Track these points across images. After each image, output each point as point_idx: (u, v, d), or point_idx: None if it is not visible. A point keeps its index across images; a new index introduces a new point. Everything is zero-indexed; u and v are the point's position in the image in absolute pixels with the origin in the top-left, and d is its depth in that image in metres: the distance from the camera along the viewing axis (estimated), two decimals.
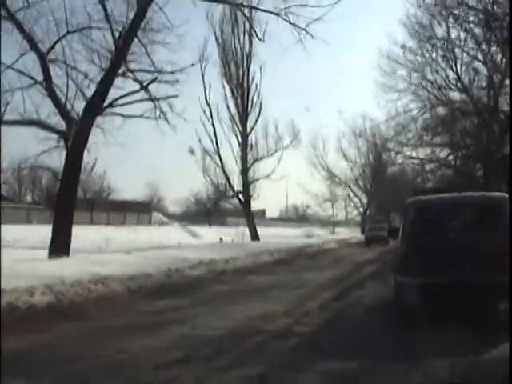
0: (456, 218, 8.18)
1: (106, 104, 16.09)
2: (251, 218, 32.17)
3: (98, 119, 16.15)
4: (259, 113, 31.39)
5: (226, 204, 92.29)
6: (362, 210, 57.33)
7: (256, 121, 31.45)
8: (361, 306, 9.44)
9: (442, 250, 7.30)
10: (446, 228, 7.85)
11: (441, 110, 28.05)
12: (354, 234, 49.69)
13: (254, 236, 31.18)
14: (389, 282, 9.37)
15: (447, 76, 26.61)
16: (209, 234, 35.70)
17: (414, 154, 31.42)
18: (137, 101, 17.31)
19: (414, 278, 7.24)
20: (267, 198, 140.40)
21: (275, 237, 36.34)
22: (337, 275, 15.37)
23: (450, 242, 7.43)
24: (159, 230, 38.51)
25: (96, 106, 15.60)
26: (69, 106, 16.02)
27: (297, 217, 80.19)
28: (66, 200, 15.32)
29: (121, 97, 16.65)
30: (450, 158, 40.14)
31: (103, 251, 19.17)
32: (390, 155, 37.12)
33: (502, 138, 27.23)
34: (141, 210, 51.79)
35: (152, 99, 17.11)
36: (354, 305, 9.62)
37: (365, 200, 57.27)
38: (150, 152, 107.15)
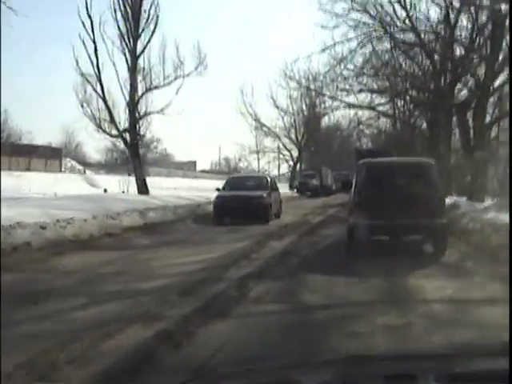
0: (395, 177, 10.17)
1: None
2: (137, 163, 24.60)
3: None
4: (154, 29, 23.52)
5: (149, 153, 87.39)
6: (292, 163, 53.12)
7: (150, 39, 23.64)
8: None
9: (384, 200, 9.73)
10: (387, 184, 10.13)
11: (385, 45, 23.89)
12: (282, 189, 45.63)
13: (142, 188, 23.81)
14: None
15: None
16: (112, 184, 30.22)
17: (350, 100, 27.19)
18: None
19: (364, 220, 9.52)
20: (199, 150, 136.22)
21: (184, 189, 31.96)
22: (215, 259, 9.36)
23: (390, 195, 9.83)
24: (60, 178, 33.25)
25: None
26: None
27: (229, 170, 75.89)
28: None
29: None
30: (389, 108, 37.09)
31: None
32: (324, 101, 32.97)
33: (452, 87, 23.60)
34: (51, 156, 46.47)
35: None
36: None
37: (295, 154, 53.06)
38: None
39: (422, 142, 40.95)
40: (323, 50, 23.07)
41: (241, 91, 49.56)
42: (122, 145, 60.44)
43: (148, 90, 23.55)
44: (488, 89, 20.43)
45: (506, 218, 11.74)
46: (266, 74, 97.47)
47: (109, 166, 60.26)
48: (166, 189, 31.23)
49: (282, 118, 52.14)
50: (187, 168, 79.96)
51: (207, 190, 31.82)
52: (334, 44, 22.72)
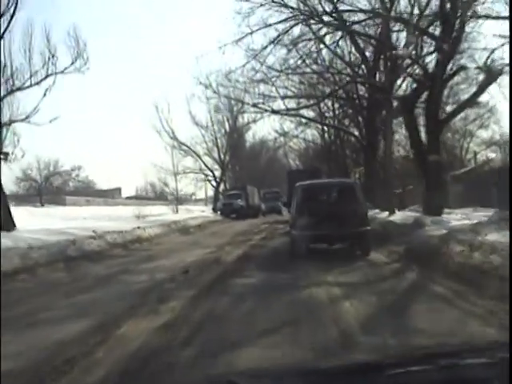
0: (326, 195, 12.78)
1: None
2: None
3: None
4: (14, 11, 16.28)
5: (69, 181, 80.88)
6: (214, 183, 47.67)
7: (9, 23, 16.34)
8: None
9: (318, 215, 11.34)
10: (320, 201, 12.43)
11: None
12: (204, 212, 40.40)
13: (6, 222, 15.47)
14: None
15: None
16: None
17: (274, 106, 22.84)
18: None
19: (302, 231, 11.27)
20: (123, 176, 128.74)
21: (92, 219, 26.69)
22: None
23: (323, 210, 11.63)
24: None
25: None
26: None
27: (155, 195, 70.45)
28: None
29: None
30: (316, 115, 33.39)
31: None
32: (245, 110, 28.46)
33: (392, 81, 19.69)
34: None
35: None
36: None
37: (218, 173, 47.83)
38: None
39: (356, 150, 37.83)
40: (237, 41, 18.54)
41: (155, 107, 43.91)
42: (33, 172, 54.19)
43: (10, 92, 17.54)
44: (441, 77, 16.49)
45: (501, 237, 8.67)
46: (181, 81, 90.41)
47: (22, 196, 54.36)
48: (70, 219, 25.93)
49: (203, 136, 47.07)
50: (112, 195, 75.19)
51: (119, 218, 26.71)
52: (251, 33, 18.27)
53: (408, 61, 18.53)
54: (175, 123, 44.30)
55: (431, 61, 17.83)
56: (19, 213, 28.64)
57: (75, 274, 10.11)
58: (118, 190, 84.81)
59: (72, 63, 17.87)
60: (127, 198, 75.43)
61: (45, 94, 17.52)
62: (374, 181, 28.13)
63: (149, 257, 12.66)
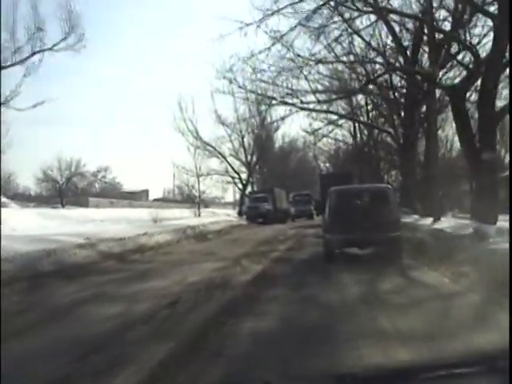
0: (360, 200, 12.51)
1: None
2: None
3: None
4: None
5: (95, 182, 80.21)
6: (241, 186, 45.35)
7: None
8: None
9: (352, 219, 11.42)
10: (353, 206, 12.24)
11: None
12: (229, 216, 38.28)
13: None
14: None
15: None
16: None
17: (304, 100, 20.61)
18: None
19: (336, 235, 11.33)
20: (150, 178, 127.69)
21: (108, 222, 25.37)
22: None
23: (356, 215, 11.65)
24: None
25: None
26: None
27: (182, 197, 69.00)
28: None
29: None
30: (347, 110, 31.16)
31: None
32: (271, 107, 26.24)
33: (435, 68, 17.32)
34: None
35: None
36: None
37: (244, 175, 45.58)
38: None
39: (391, 151, 35.50)
40: (260, 22, 16.38)
41: (178, 105, 41.91)
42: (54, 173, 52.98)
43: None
44: (497, 62, 14.10)
45: None
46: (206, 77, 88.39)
47: (45, 198, 53.69)
48: (85, 222, 25.71)
49: (229, 136, 44.87)
50: (139, 198, 74.26)
51: (137, 221, 24.94)
52: (277, 11, 16.13)
53: (456, 45, 16.19)
54: (199, 122, 41.64)
55: (485, 44, 15.44)
56: (25, 214, 27.22)
57: (27, 300, 7.56)
58: (146, 192, 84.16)
59: (64, 38, 15.74)
60: (154, 200, 74.11)
61: (25, 75, 15.52)
62: (412, 184, 25.84)
63: (143, 273, 10.21)
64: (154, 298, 7.10)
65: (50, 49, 15.65)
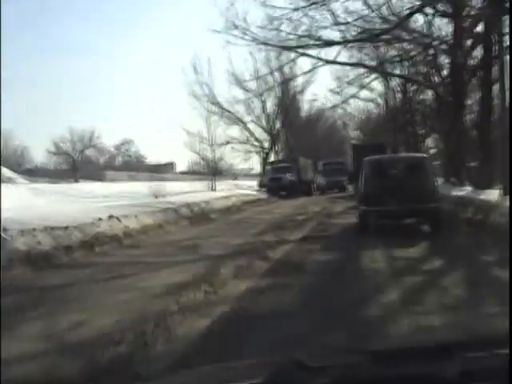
0: (395, 170, 12.21)
1: None
2: None
3: None
4: None
5: (119, 155, 77.78)
6: (263, 155, 41.36)
7: None
8: None
9: (387, 190, 11.15)
10: (389, 176, 11.98)
11: None
12: (249, 189, 34.46)
13: None
14: None
15: None
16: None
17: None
18: None
19: (371, 206, 11.24)
20: (177, 150, 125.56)
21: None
22: None
23: (392, 185, 11.36)
24: None
25: None
26: None
27: (208, 170, 66.20)
28: None
29: None
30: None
31: None
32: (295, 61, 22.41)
33: None
34: None
35: None
36: None
37: (267, 144, 41.61)
38: None
39: (429, 115, 31.53)
40: None
41: (193, 67, 38.20)
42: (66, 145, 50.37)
43: None
44: None
45: None
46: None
47: (58, 172, 51.34)
48: (82, 198, 24.45)
49: (252, 102, 40.49)
50: (165, 170, 72.17)
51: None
52: None
53: None
54: (215, 86, 37.77)
55: None
56: (19, 190, 24.52)
57: None
58: (171, 164, 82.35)
59: None
60: (181, 173, 72.26)
61: None
62: (460, 149, 21.89)
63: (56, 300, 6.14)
64: None
65: None
